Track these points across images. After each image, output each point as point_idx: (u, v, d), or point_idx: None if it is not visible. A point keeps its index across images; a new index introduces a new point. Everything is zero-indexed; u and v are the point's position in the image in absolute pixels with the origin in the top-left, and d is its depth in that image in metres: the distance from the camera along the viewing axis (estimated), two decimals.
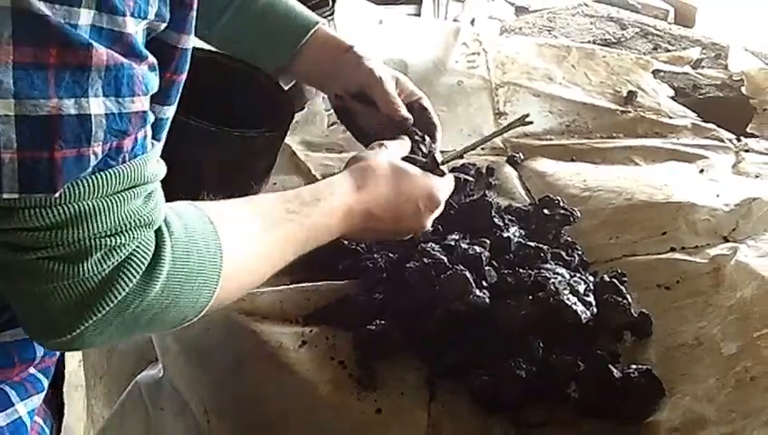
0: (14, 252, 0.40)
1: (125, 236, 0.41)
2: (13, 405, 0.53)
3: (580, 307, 0.67)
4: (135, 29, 0.40)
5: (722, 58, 1.29)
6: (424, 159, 0.70)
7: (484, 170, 0.95)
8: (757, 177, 0.93)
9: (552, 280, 0.70)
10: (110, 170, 0.40)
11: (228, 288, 0.50)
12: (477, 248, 0.73)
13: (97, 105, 0.38)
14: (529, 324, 0.67)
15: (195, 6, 0.47)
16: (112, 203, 0.41)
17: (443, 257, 0.72)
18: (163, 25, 0.44)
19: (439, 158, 0.70)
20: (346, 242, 0.79)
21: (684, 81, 1.20)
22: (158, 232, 0.44)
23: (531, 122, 0.61)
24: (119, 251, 0.41)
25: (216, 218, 0.49)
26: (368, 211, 0.63)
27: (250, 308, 0.71)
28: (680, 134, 1.04)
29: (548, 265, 0.74)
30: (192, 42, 0.49)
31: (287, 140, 0.83)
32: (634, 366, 0.65)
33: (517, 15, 1.51)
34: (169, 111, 0.51)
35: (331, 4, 0.99)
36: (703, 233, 0.81)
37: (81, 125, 0.38)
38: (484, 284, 0.70)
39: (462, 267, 0.69)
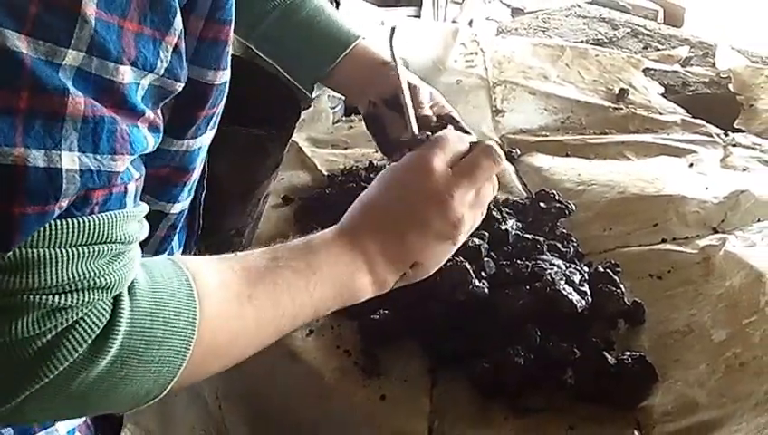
0: None
1: (73, 297, 0.34)
2: (53, 424, 0.48)
3: (575, 297, 0.67)
4: (134, 80, 0.35)
5: (709, 56, 1.28)
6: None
7: None
8: (744, 170, 0.93)
9: (549, 271, 0.70)
10: (68, 220, 0.33)
11: (207, 355, 0.40)
12: (476, 240, 0.72)
13: (71, 160, 0.32)
14: (527, 314, 0.67)
15: (230, 42, 0.43)
16: (65, 256, 0.33)
17: None
18: (178, 85, 0.38)
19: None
20: None
21: (673, 78, 1.20)
22: (118, 296, 0.36)
23: None
24: (62, 314, 0.34)
25: (195, 277, 0.40)
26: (371, 220, 0.49)
27: None
28: (670, 130, 1.03)
29: (544, 257, 0.74)
30: (228, 75, 0.44)
31: (294, 136, 0.82)
32: (628, 353, 0.65)
33: (513, 17, 1.50)
34: (202, 141, 0.46)
35: (335, 6, 0.98)
36: (693, 224, 0.80)
37: (49, 180, 0.32)
38: (484, 274, 0.70)
39: (462, 259, 0.69)
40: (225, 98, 0.46)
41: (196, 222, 0.57)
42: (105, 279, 0.35)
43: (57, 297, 0.33)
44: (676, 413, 0.60)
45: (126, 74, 0.34)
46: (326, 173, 0.94)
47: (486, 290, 0.68)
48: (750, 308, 0.66)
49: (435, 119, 0.68)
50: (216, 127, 0.48)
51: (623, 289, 0.71)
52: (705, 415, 0.59)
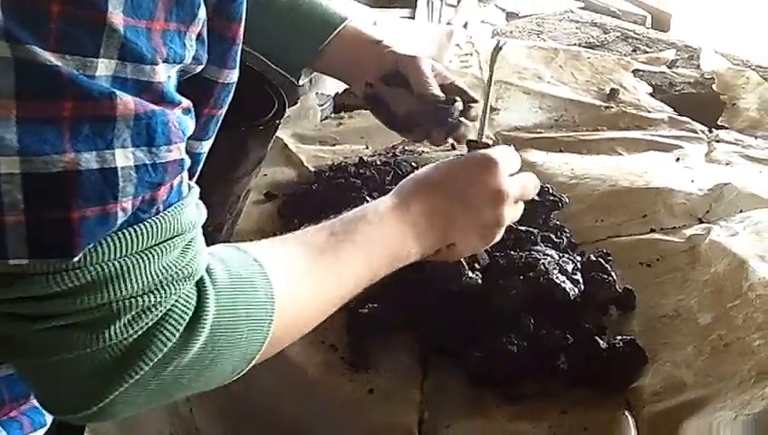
0: (21, 322, 0.32)
1: (160, 294, 0.34)
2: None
3: (568, 285, 0.67)
4: (167, 75, 0.34)
5: (694, 59, 1.28)
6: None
7: None
8: (727, 164, 0.93)
9: (543, 260, 0.69)
10: (140, 225, 0.33)
11: (283, 331, 0.42)
12: None
13: (124, 157, 0.31)
14: (521, 303, 0.67)
15: (238, 40, 0.41)
16: (144, 259, 0.33)
17: None
18: (199, 68, 0.38)
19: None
20: None
21: (661, 79, 1.19)
22: (200, 282, 0.37)
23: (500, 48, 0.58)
24: (152, 310, 0.34)
25: (263, 258, 0.41)
26: (425, 195, 0.51)
27: None
28: (658, 127, 1.03)
29: (538, 247, 0.74)
30: (236, 75, 0.43)
31: (279, 133, 0.77)
32: (619, 337, 0.65)
33: (508, 20, 1.50)
34: (207, 145, 0.45)
35: None
36: (680, 215, 0.81)
37: (104, 180, 0.31)
38: (477, 266, 0.68)
39: None
40: (229, 100, 0.44)
41: None
42: (185, 270, 0.35)
43: (144, 298, 0.33)
44: (665, 393, 0.60)
45: (160, 72, 0.33)
46: (313, 169, 0.90)
47: (480, 281, 0.66)
48: (734, 293, 0.67)
49: (442, 97, 0.67)
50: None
51: (614, 277, 0.70)
52: (693, 394, 0.60)
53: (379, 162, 0.89)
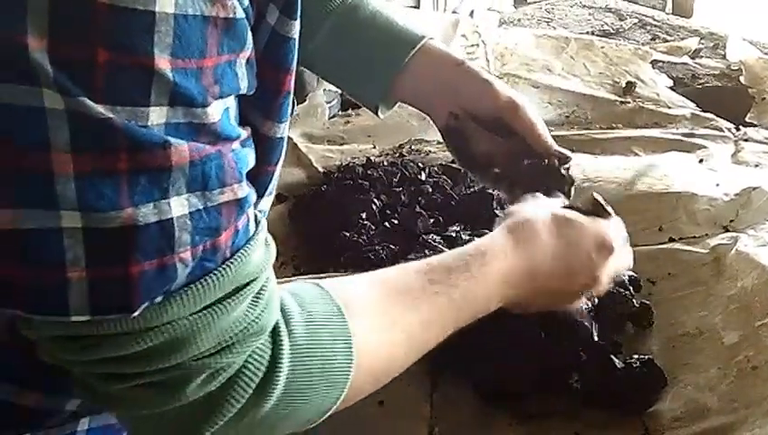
0: (105, 381, 0.35)
1: (231, 353, 0.35)
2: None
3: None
4: (222, 109, 0.34)
5: (720, 48, 1.27)
6: (583, 208, 0.60)
7: None
8: (757, 166, 0.92)
9: None
10: (206, 278, 0.34)
11: (361, 384, 0.43)
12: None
13: (180, 205, 0.32)
14: (530, 315, 0.65)
15: (285, 93, 0.41)
16: (212, 317, 0.35)
17: (444, 249, 0.70)
18: (251, 91, 0.38)
19: (600, 199, 0.60)
20: (347, 234, 0.77)
21: (682, 71, 1.19)
22: (275, 332, 0.38)
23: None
24: (225, 370, 0.36)
25: (346, 304, 0.42)
26: (532, 270, 0.53)
27: None
28: (679, 124, 1.03)
29: None
30: (284, 131, 0.43)
31: (288, 132, 0.81)
32: (636, 356, 0.65)
33: (516, 7, 1.50)
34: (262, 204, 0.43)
35: None
36: (703, 223, 0.80)
37: (161, 231, 0.32)
38: None
39: None
40: (280, 158, 0.45)
41: None
42: (254, 325, 0.36)
43: (217, 357, 0.35)
44: (687, 419, 0.60)
45: (215, 112, 0.33)
46: (322, 170, 0.93)
47: None
48: (763, 310, 0.66)
49: (571, 158, 0.67)
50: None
51: (631, 290, 0.70)
52: (717, 421, 0.59)
53: (386, 163, 0.91)
